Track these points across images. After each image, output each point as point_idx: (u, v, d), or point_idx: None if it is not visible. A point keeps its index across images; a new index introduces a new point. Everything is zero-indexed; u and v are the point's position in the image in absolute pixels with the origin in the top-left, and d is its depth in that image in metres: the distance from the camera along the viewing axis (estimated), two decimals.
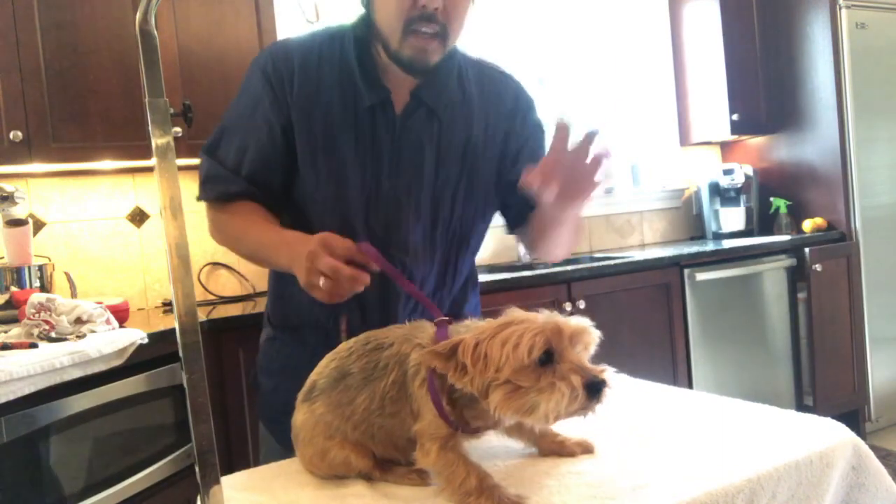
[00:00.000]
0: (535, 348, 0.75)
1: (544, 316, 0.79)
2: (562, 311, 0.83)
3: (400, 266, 1.17)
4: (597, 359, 0.82)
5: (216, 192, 1.17)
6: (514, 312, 0.81)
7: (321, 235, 0.96)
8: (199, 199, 1.20)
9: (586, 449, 0.93)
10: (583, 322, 0.80)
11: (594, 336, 0.81)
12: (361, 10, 1.17)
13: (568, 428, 0.96)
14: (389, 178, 1.15)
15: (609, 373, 0.78)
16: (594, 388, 0.75)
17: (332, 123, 1.14)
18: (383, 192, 1.16)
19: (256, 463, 1.26)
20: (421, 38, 1.07)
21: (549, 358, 0.76)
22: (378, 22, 1.11)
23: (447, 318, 0.89)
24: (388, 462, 0.91)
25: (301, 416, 0.93)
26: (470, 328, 0.84)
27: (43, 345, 1.52)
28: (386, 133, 1.15)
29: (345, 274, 0.92)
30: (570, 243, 1.23)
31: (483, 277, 2.54)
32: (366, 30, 1.15)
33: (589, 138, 0.96)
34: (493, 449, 0.96)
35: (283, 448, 1.23)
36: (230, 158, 1.15)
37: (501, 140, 1.23)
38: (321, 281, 0.93)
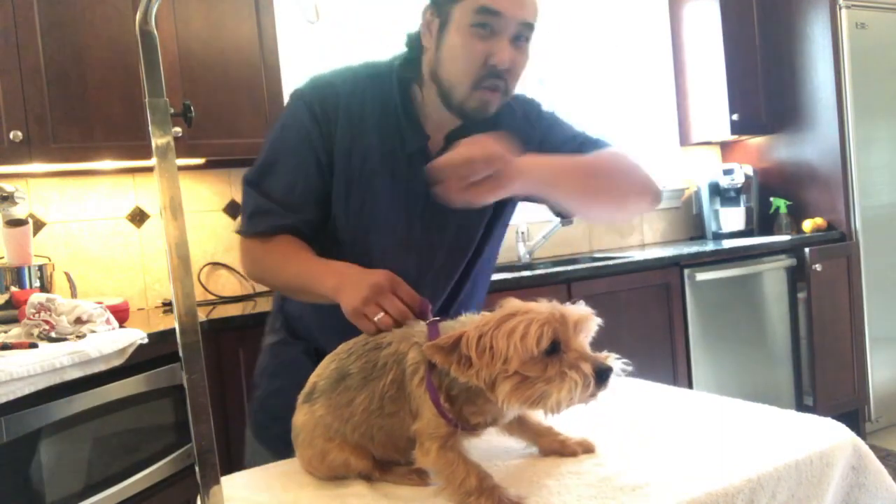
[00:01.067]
0: (543, 339, 0.75)
1: (547, 306, 0.80)
2: (561, 302, 0.82)
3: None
4: None
5: (265, 226, 1.15)
6: (513, 303, 0.81)
7: (389, 273, 0.98)
8: (242, 232, 1.19)
9: (587, 448, 0.93)
10: (584, 310, 0.81)
11: (595, 323, 0.81)
12: (403, 50, 1.18)
13: (568, 427, 0.96)
14: (422, 223, 1.17)
15: (613, 359, 0.79)
16: (603, 376, 0.76)
17: (370, 166, 1.15)
18: (414, 236, 1.17)
19: (241, 465, 1.25)
20: (487, 93, 1.10)
21: (555, 347, 0.76)
22: (442, 75, 1.12)
23: (437, 318, 0.90)
24: (388, 463, 0.91)
25: (301, 418, 0.93)
26: (466, 323, 0.84)
27: (43, 345, 1.52)
28: (419, 178, 1.13)
29: (406, 319, 0.94)
30: (585, 199, 1.19)
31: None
32: (410, 72, 1.17)
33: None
34: (493, 449, 0.96)
35: (270, 452, 1.23)
36: (279, 192, 1.15)
37: None
38: (378, 316, 0.94)
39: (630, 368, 0.79)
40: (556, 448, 0.93)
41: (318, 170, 1.15)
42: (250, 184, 1.18)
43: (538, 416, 0.93)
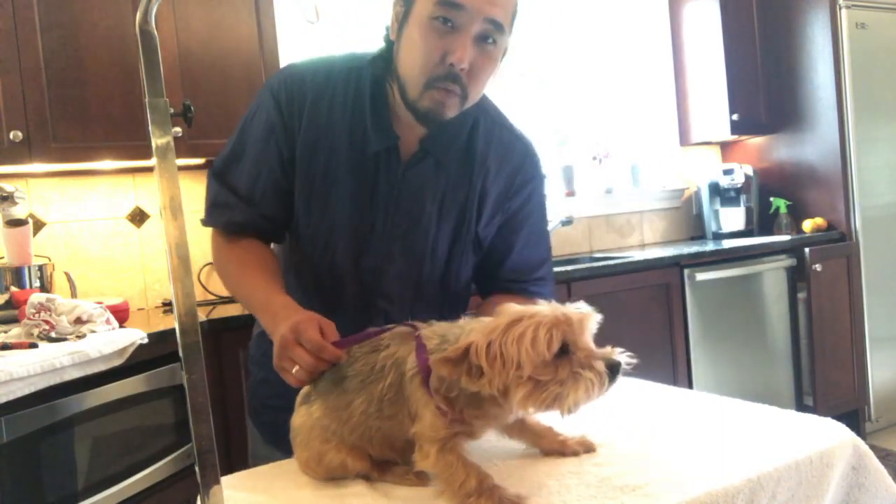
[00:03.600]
0: (553, 342, 0.75)
1: (549, 307, 0.80)
2: (560, 302, 0.83)
3: (383, 315, 1.16)
4: None
5: (223, 221, 1.14)
6: (514, 307, 0.81)
7: (294, 322, 0.93)
8: (203, 223, 1.18)
9: (588, 448, 0.93)
10: (586, 308, 0.82)
11: (597, 320, 0.82)
12: (381, 44, 1.11)
13: (568, 427, 0.96)
14: (385, 226, 1.13)
15: (618, 353, 0.79)
16: (614, 371, 0.77)
17: (335, 164, 1.11)
18: (376, 239, 1.13)
19: (245, 459, 1.25)
20: (442, 93, 1.02)
21: (564, 349, 0.77)
22: (400, 67, 1.06)
23: (412, 325, 0.90)
24: (386, 463, 0.91)
25: (299, 419, 0.93)
26: (463, 326, 0.84)
27: (43, 345, 1.52)
28: (387, 180, 1.11)
29: (317, 368, 0.92)
30: None
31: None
32: (384, 67, 1.10)
33: None
34: (493, 449, 0.96)
35: (262, 437, 1.23)
36: (241, 185, 1.12)
37: (494, 201, 1.18)
38: (294, 369, 0.92)
39: (634, 361, 0.79)
40: (557, 448, 0.93)
41: (280, 164, 1.12)
42: (215, 175, 1.16)
43: (537, 416, 0.93)
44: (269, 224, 1.15)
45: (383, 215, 1.13)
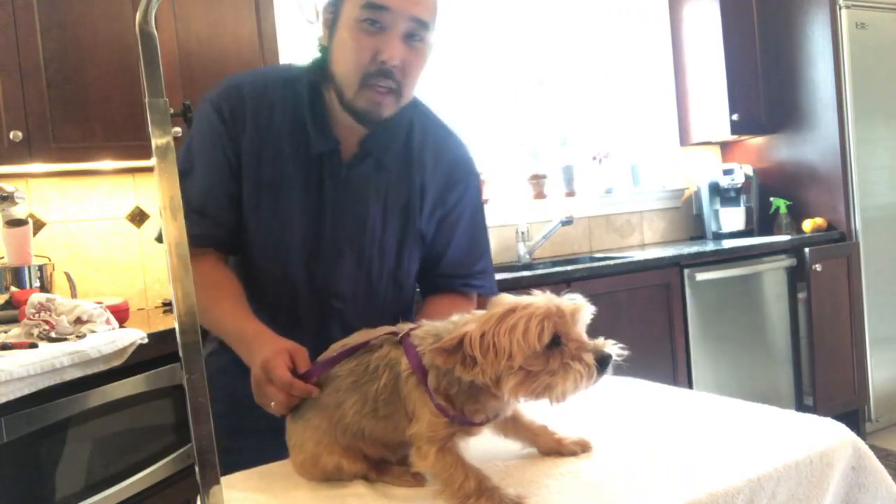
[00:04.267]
0: (544, 333, 0.77)
1: (543, 299, 0.80)
2: (559, 295, 0.83)
3: (336, 314, 1.17)
4: None
5: None
6: (508, 299, 0.82)
7: (264, 360, 0.95)
8: (158, 240, 1.17)
9: (584, 447, 0.93)
10: (579, 300, 0.83)
11: (590, 312, 0.83)
12: (317, 54, 1.15)
13: (568, 427, 0.96)
14: (332, 228, 1.15)
15: (610, 345, 0.80)
16: (604, 363, 0.78)
17: (280, 169, 1.14)
18: (325, 241, 1.16)
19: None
20: (377, 93, 1.06)
21: (556, 340, 0.78)
22: (334, 70, 1.10)
23: (394, 331, 0.91)
24: (382, 462, 0.91)
25: (291, 421, 0.94)
26: (458, 323, 0.85)
27: (43, 345, 1.52)
28: (332, 182, 1.15)
29: (292, 401, 0.94)
30: None
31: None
32: (320, 75, 1.14)
33: None
34: (493, 449, 0.96)
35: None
36: (193, 199, 1.12)
37: (433, 195, 1.22)
38: (272, 404, 0.94)
39: (626, 352, 0.80)
40: (554, 447, 0.93)
41: (230, 171, 1.14)
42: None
43: (533, 415, 0.93)
44: (226, 234, 1.16)
45: (331, 217, 1.15)
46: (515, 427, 0.94)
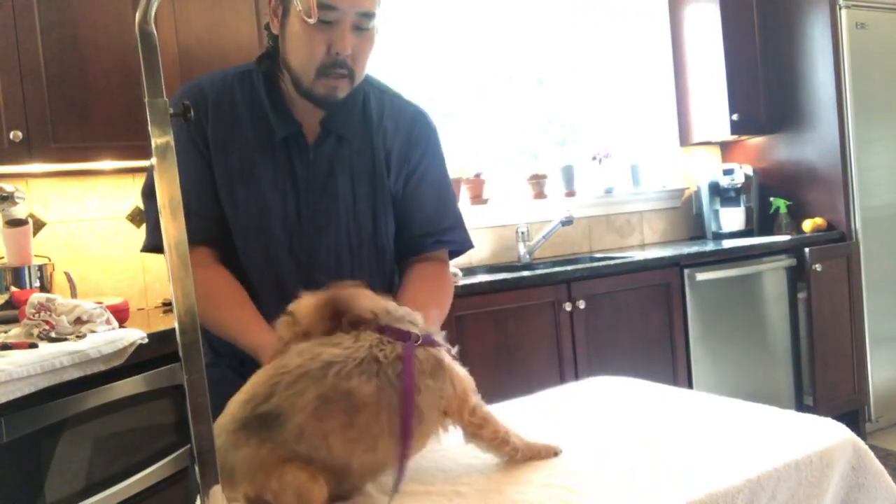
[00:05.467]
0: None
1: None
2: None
3: (324, 288, 1.19)
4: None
5: None
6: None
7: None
8: (143, 248, 1.22)
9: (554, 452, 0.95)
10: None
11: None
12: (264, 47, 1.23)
13: (567, 426, 0.96)
14: (308, 206, 1.21)
15: None
16: None
17: (249, 156, 1.19)
18: (304, 220, 1.21)
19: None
20: (332, 79, 1.14)
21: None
22: (289, 62, 1.16)
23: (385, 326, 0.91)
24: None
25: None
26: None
27: (43, 345, 1.52)
28: (301, 163, 1.21)
29: None
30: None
31: (483, 277, 2.54)
32: (272, 66, 1.21)
33: None
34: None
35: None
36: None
37: (397, 156, 1.28)
38: None
39: None
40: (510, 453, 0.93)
41: (205, 162, 1.19)
42: (147, 196, 1.20)
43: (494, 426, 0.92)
44: (214, 226, 1.20)
45: (305, 196, 1.21)
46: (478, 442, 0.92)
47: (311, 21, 1.07)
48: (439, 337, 0.91)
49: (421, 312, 0.95)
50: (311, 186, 1.21)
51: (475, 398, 0.90)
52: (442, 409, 0.86)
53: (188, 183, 1.13)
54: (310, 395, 0.79)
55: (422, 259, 1.32)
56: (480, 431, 0.89)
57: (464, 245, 1.36)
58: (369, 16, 1.12)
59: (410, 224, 1.30)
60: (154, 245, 1.21)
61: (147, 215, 1.22)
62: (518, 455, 0.91)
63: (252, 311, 1.15)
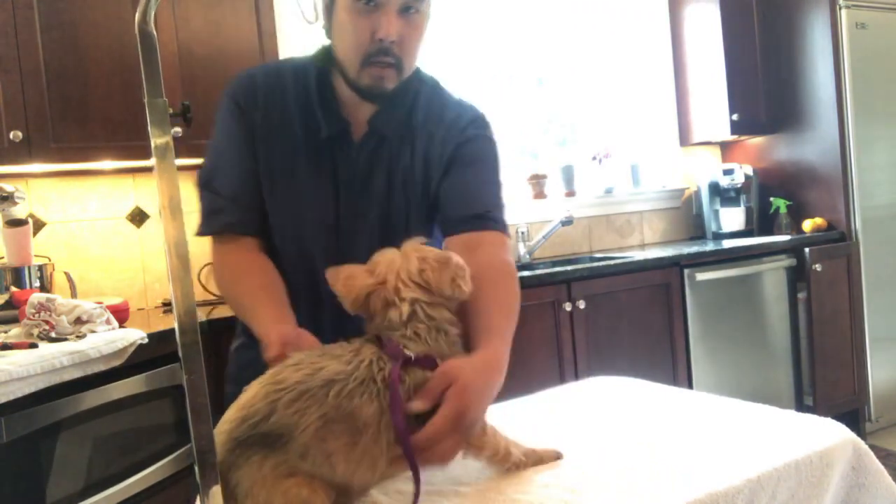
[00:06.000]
0: None
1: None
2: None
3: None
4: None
5: (218, 226, 1.17)
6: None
7: (283, 346, 0.92)
8: (197, 232, 1.20)
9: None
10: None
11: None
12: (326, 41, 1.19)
13: (568, 426, 0.96)
14: (347, 209, 1.18)
15: None
16: None
17: (293, 154, 1.17)
18: (341, 221, 1.18)
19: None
20: (378, 68, 1.10)
21: None
22: (337, 53, 1.14)
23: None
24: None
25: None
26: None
27: (43, 345, 1.52)
28: (343, 162, 1.18)
29: None
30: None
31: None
32: (326, 59, 1.18)
33: None
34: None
35: None
36: (225, 187, 1.17)
37: (437, 161, 1.20)
38: None
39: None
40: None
41: (254, 156, 1.17)
42: (202, 185, 1.20)
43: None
44: (261, 217, 1.19)
45: (345, 199, 1.18)
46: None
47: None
48: (441, 358, 0.87)
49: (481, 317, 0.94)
50: (350, 186, 1.18)
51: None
52: None
53: (237, 173, 1.17)
54: (312, 414, 0.78)
55: (460, 239, 1.18)
56: (480, 453, 0.88)
57: (501, 226, 1.20)
58: None
59: (450, 207, 1.20)
60: (209, 231, 1.19)
61: (202, 203, 1.21)
62: (520, 467, 0.90)
63: (274, 299, 1.10)
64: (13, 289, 1.92)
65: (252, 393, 0.82)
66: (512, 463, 0.90)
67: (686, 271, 2.81)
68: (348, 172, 1.18)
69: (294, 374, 0.81)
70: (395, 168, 1.20)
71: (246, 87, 1.19)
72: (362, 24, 1.07)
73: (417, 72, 1.22)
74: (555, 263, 2.94)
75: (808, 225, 3.28)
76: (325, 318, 1.10)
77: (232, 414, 0.82)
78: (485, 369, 0.87)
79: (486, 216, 1.17)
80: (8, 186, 1.99)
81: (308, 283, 1.19)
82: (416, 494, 0.81)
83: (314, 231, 1.18)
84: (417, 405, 0.82)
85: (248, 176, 1.17)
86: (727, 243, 3.16)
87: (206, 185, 1.19)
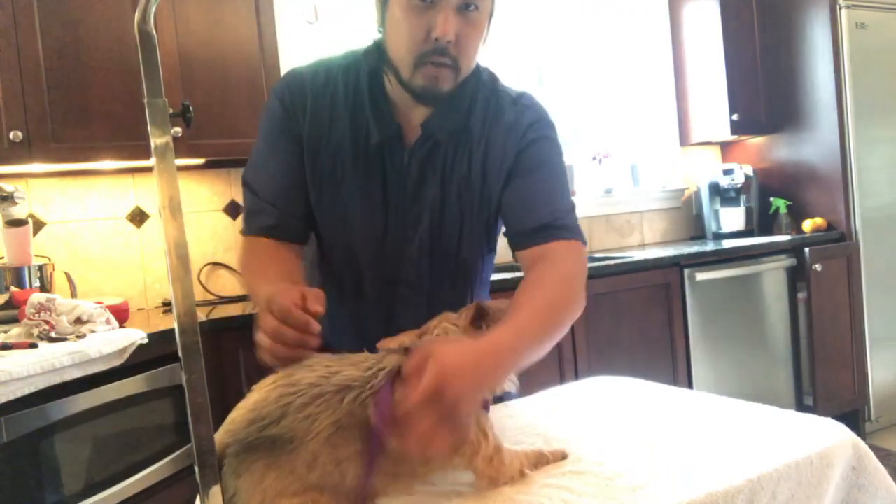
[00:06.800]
0: None
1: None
2: None
3: (402, 300, 1.17)
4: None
5: (256, 226, 1.14)
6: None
7: (269, 294, 0.88)
8: (242, 232, 1.18)
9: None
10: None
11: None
12: (377, 36, 1.12)
13: (568, 426, 0.96)
14: (396, 218, 1.14)
15: None
16: None
17: (341, 160, 1.12)
18: (390, 232, 1.14)
19: None
20: (433, 68, 1.03)
21: None
22: (390, 52, 1.07)
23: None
24: None
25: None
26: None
27: (43, 345, 1.52)
28: (393, 168, 1.12)
29: (287, 336, 0.85)
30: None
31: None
32: (379, 58, 1.11)
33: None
34: None
35: None
36: (266, 189, 1.14)
37: (497, 168, 1.14)
38: (264, 341, 0.86)
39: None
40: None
41: (298, 160, 1.13)
42: (245, 184, 1.18)
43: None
44: (301, 222, 1.15)
45: (394, 207, 1.13)
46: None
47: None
48: None
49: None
50: (401, 194, 1.13)
51: (490, 444, 0.83)
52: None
53: (276, 178, 1.12)
54: (324, 421, 0.76)
55: (534, 253, 1.11)
56: (495, 483, 0.84)
57: (576, 234, 1.12)
58: None
59: (519, 220, 1.13)
60: (248, 232, 1.16)
61: (245, 200, 1.18)
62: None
63: (283, 280, 1.01)
64: (13, 289, 1.92)
65: (264, 394, 0.80)
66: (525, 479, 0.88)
67: (686, 271, 2.81)
68: (398, 179, 1.12)
69: (308, 375, 0.80)
70: (449, 177, 1.14)
71: (294, 89, 1.13)
72: (417, 22, 1.00)
73: (476, 71, 1.15)
74: None
75: (808, 225, 3.28)
76: (372, 319, 1.08)
77: (240, 414, 0.80)
78: (473, 352, 0.80)
79: (553, 225, 1.10)
80: (8, 186, 1.99)
81: (355, 295, 1.17)
82: (366, 475, 0.77)
83: (362, 242, 1.15)
84: (399, 391, 0.78)
85: (288, 182, 1.13)
86: (727, 243, 3.16)
87: (248, 185, 1.16)
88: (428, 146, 1.13)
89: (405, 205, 1.14)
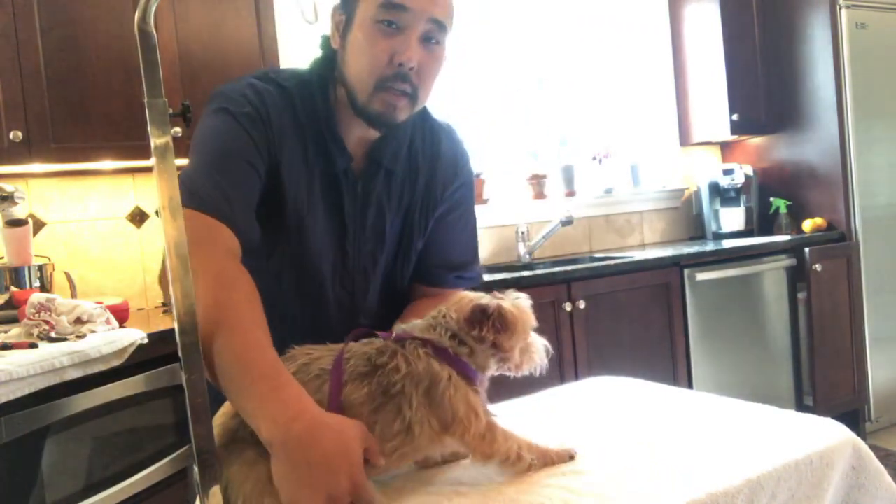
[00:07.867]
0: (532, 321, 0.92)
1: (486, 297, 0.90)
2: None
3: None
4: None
5: (204, 203, 1.01)
6: (470, 294, 0.91)
7: (350, 467, 0.76)
8: (185, 205, 1.08)
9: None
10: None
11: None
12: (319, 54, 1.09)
13: (568, 426, 0.96)
14: (355, 247, 1.12)
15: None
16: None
17: (311, 193, 1.07)
18: (349, 262, 1.12)
19: None
20: (392, 94, 1.02)
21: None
22: (347, 73, 1.04)
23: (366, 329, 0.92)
24: None
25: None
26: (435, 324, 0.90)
27: (43, 345, 1.52)
28: (349, 199, 1.10)
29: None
30: None
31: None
32: (325, 75, 1.08)
33: None
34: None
35: None
36: (217, 160, 1.02)
37: (437, 197, 1.18)
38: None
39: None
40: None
41: (259, 176, 1.03)
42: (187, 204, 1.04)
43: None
44: (244, 239, 1.02)
45: (353, 237, 1.11)
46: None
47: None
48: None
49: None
50: (358, 226, 1.11)
51: (482, 422, 0.84)
52: (436, 428, 0.83)
53: (235, 186, 0.99)
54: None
55: (432, 291, 1.19)
56: (490, 461, 0.86)
57: (477, 281, 1.23)
58: (441, 26, 1.02)
59: (438, 258, 1.20)
60: (194, 205, 1.08)
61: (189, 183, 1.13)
62: (531, 469, 0.89)
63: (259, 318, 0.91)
64: (13, 289, 1.92)
65: None
66: (524, 464, 0.88)
67: (686, 271, 2.81)
68: (355, 209, 1.10)
69: (290, 366, 0.84)
70: (399, 205, 1.14)
71: (257, 107, 1.04)
72: (382, 45, 0.99)
73: None
74: (555, 263, 2.94)
75: (808, 225, 3.28)
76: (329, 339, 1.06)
77: (229, 407, 0.83)
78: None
79: (463, 276, 1.21)
80: (8, 186, 1.99)
81: (317, 322, 1.10)
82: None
83: (328, 276, 1.11)
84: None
85: (241, 192, 1.01)
86: (727, 243, 3.16)
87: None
88: (381, 176, 1.12)
89: (363, 236, 1.12)
